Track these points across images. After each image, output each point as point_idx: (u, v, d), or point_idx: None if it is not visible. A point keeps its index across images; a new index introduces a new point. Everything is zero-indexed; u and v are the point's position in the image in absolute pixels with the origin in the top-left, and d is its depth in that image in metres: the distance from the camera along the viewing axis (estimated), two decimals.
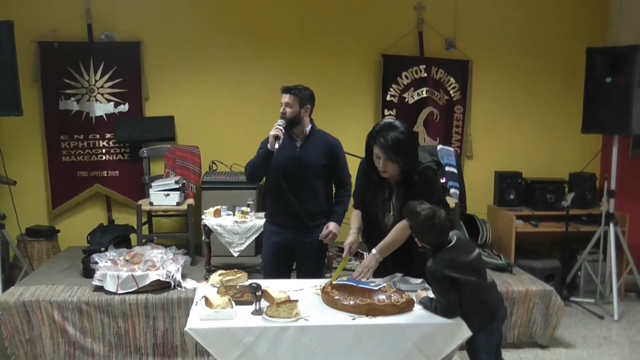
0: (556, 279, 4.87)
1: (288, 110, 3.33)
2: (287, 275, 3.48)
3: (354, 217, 3.15)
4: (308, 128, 3.41)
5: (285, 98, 3.34)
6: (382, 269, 3.01)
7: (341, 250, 4.94)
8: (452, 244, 2.59)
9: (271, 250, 3.47)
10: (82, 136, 5.10)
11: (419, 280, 2.86)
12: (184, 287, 3.84)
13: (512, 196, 5.29)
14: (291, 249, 3.45)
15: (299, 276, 3.50)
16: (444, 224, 2.59)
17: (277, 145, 3.24)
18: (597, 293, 4.89)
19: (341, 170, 3.50)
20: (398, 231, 2.89)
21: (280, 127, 3.26)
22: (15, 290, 3.80)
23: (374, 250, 2.92)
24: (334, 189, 3.55)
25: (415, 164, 2.87)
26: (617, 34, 5.42)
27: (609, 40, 5.47)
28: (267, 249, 3.52)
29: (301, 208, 3.33)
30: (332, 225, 3.41)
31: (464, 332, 2.49)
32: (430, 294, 2.68)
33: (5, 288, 4.05)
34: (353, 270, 4.33)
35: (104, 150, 5.15)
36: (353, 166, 4.92)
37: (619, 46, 4.93)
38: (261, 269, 4.28)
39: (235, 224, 4.08)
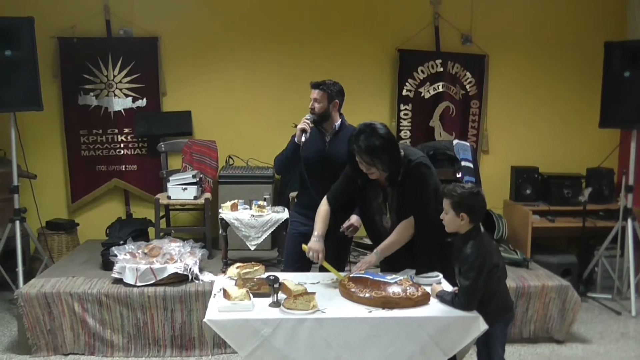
0: (573, 275, 4.84)
1: (317, 105, 3.36)
2: (307, 268, 3.49)
3: (320, 217, 2.99)
4: (337, 123, 3.43)
5: (314, 94, 3.37)
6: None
7: (358, 245, 4.98)
8: (482, 231, 2.61)
9: (296, 240, 3.44)
10: (100, 131, 5.17)
11: (435, 274, 2.87)
12: (202, 280, 3.89)
13: (528, 191, 5.26)
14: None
15: (320, 269, 3.50)
16: (485, 201, 2.61)
17: (303, 138, 3.29)
18: (615, 289, 4.86)
19: None
20: (400, 232, 2.89)
21: (308, 121, 3.32)
22: (36, 282, 3.88)
23: (375, 250, 2.91)
24: None
25: (397, 166, 2.81)
26: (636, 27, 5.35)
27: (628, 34, 5.41)
28: (290, 238, 3.53)
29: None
30: (354, 218, 3.40)
31: (481, 326, 2.49)
32: (447, 288, 2.69)
33: (26, 280, 4.12)
34: (374, 266, 4.37)
35: (122, 145, 5.21)
36: None
37: (637, 40, 4.88)
38: (277, 262, 4.31)
39: (252, 217, 4.11)
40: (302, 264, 3.38)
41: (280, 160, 3.48)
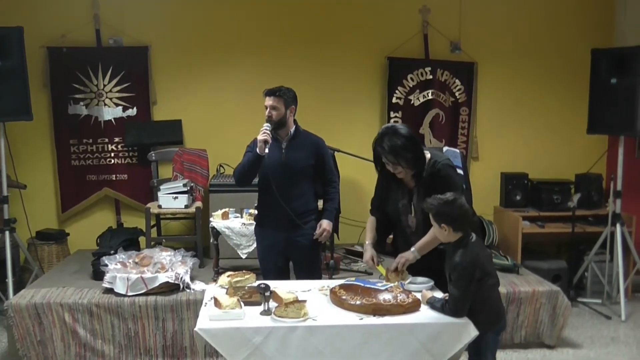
0: (563, 280, 4.87)
1: (274, 113, 3.32)
2: (286, 277, 3.50)
3: (369, 228, 3.15)
4: (292, 129, 3.42)
5: (270, 101, 3.33)
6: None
7: (349, 252, 4.99)
8: (474, 239, 2.62)
9: (266, 254, 3.49)
10: (91, 140, 5.16)
11: (426, 280, 2.88)
12: (193, 289, 3.88)
13: (518, 197, 5.30)
14: (284, 251, 3.46)
15: (297, 276, 3.52)
16: (467, 207, 2.61)
17: (267, 150, 3.24)
18: (605, 293, 4.89)
19: (327, 169, 3.52)
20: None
21: (268, 131, 3.26)
22: (26, 293, 3.85)
23: (412, 248, 2.91)
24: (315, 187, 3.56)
25: (421, 163, 2.88)
26: (623, 35, 5.42)
27: (615, 41, 5.48)
28: (261, 253, 3.53)
29: (290, 208, 3.35)
30: (325, 223, 3.44)
31: (471, 332, 2.51)
32: (437, 294, 2.71)
33: (16, 291, 4.10)
34: (365, 273, 4.39)
35: (112, 154, 5.20)
36: (358, 167, 4.98)
37: (623, 47, 4.94)
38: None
39: (243, 226, 4.11)
40: (279, 274, 3.40)
41: (240, 173, 3.40)
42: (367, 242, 3.10)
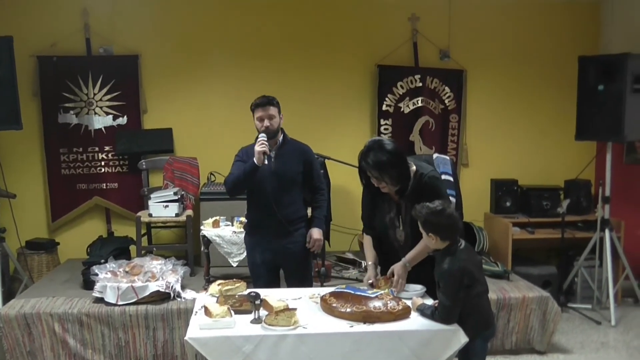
0: (553, 286, 4.90)
1: (273, 122, 3.31)
2: (276, 285, 3.49)
3: (367, 247, 3.12)
4: (280, 137, 3.42)
5: (269, 111, 3.30)
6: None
7: (340, 259, 4.99)
8: (463, 246, 2.63)
9: (256, 262, 3.47)
10: (81, 149, 5.15)
11: (418, 287, 2.89)
12: (184, 298, 3.87)
13: (508, 203, 5.33)
14: (275, 258, 3.45)
15: (288, 284, 3.52)
16: (456, 216, 2.62)
17: (267, 162, 3.23)
18: (594, 299, 4.92)
19: (316, 176, 3.53)
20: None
21: (265, 142, 3.23)
22: (15, 303, 3.83)
23: (403, 260, 2.90)
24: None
25: (405, 179, 2.86)
26: (609, 42, 5.49)
27: (601, 48, 5.54)
28: (252, 261, 3.51)
29: (281, 216, 3.35)
30: (315, 233, 3.45)
31: (461, 338, 2.52)
32: (427, 302, 2.72)
33: (5, 301, 4.07)
34: (356, 280, 4.38)
35: (103, 163, 5.19)
36: (348, 175, 5.00)
37: (610, 54, 4.99)
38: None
39: (234, 234, 4.11)
40: (270, 283, 3.40)
41: (234, 183, 3.34)
42: (369, 263, 3.07)
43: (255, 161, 3.22)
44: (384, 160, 2.80)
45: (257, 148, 3.21)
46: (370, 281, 2.98)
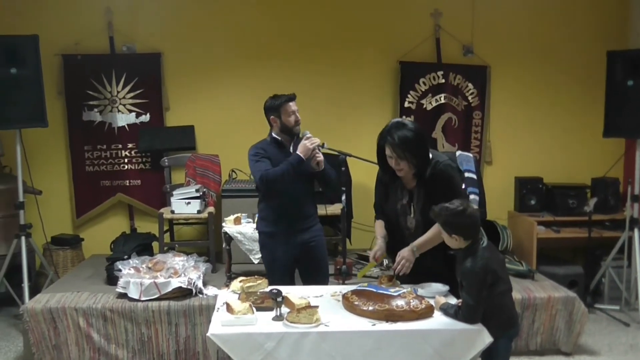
0: (579, 286, 4.80)
1: (299, 115, 3.37)
2: (292, 282, 3.47)
3: (378, 227, 3.13)
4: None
5: (295, 105, 3.36)
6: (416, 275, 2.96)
7: (361, 257, 4.97)
8: (485, 244, 2.59)
9: (275, 259, 3.42)
10: (104, 146, 5.20)
11: (441, 286, 2.85)
12: (205, 294, 3.88)
13: (532, 202, 5.24)
14: (296, 253, 3.41)
15: (303, 280, 3.49)
16: (477, 215, 2.59)
17: (320, 157, 3.28)
18: (622, 300, 4.81)
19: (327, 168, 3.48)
20: (436, 230, 2.83)
21: (311, 136, 3.28)
22: (41, 298, 3.89)
23: (411, 245, 2.88)
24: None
25: (426, 160, 2.85)
26: (638, 36, 5.35)
27: (631, 43, 5.41)
28: (271, 258, 3.44)
29: (300, 211, 3.36)
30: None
31: (485, 338, 2.48)
32: (451, 301, 2.68)
33: (32, 295, 4.13)
34: (375, 278, 4.35)
35: (126, 160, 5.24)
36: (369, 172, 4.96)
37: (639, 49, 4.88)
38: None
39: (255, 231, 4.10)
40: (286, 280, 3.37)
41: (274, 180, 3.23)
42: (379, 238, 3.06)
43: (302, 156, 3.22)
44: (410, 137, 2.80)
45: (310, 145, 3.22)
46: (376, 256, 2.98)
